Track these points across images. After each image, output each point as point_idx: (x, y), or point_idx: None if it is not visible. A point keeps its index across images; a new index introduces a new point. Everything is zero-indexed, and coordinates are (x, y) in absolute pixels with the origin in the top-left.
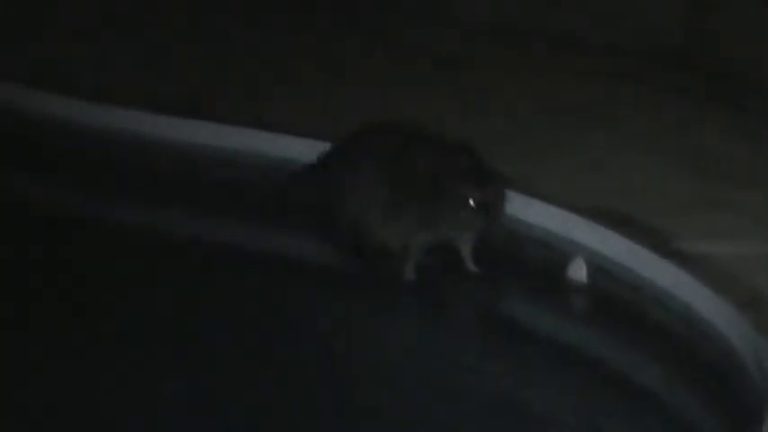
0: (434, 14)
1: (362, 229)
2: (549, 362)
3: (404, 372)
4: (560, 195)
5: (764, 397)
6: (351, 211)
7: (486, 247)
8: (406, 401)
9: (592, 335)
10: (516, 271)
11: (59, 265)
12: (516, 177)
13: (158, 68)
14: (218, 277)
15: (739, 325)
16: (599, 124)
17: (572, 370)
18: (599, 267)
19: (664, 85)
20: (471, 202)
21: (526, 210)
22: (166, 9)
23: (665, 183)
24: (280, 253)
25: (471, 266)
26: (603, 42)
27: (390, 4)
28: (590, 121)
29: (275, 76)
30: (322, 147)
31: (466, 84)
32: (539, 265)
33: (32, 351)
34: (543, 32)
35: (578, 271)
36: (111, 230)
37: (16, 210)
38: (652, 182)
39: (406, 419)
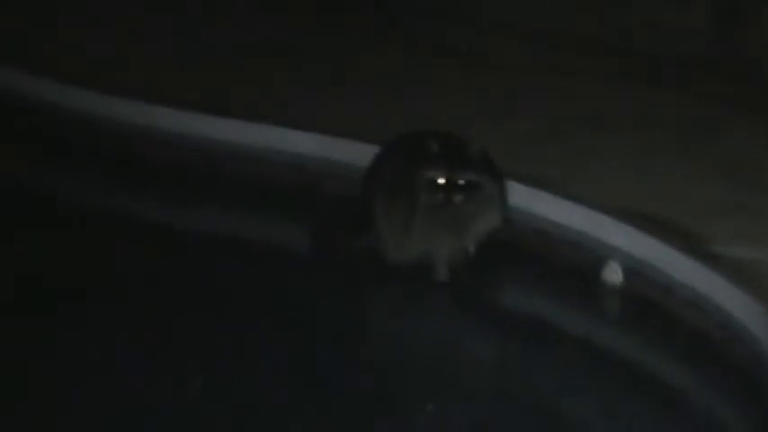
0: (464, 15)
1: (398, 257)
2: (580, 363)
3: (432, 372)
4: (593, 198)
5: None
6: (385, 248)
7: (519, 249)
8: (434, 401)
9: (625, 337)
10: (550, 273)
11: (73, 259)
12: (548, 180)
13: (183, 64)
14: (242, 273)
15: None
16: (630, 128)
17: (604, 372)
18: (632, 270)
19: (693, 90)
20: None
21: (561, 212)
22: (194, 6)
23: (697, 187)
24: (303, 250)
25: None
26: (634, 48)
27: (420, 5)
28: (621, 124)
29: (302, 75)
30: (346, 144)
31: (496, 86)
32: (573, 267)
33: (38, 346)
34: (573, 37)
35: (614, 274)
36: (128, 225)
37: (33, 203)
38: (683, 186)
39: (435, 419)
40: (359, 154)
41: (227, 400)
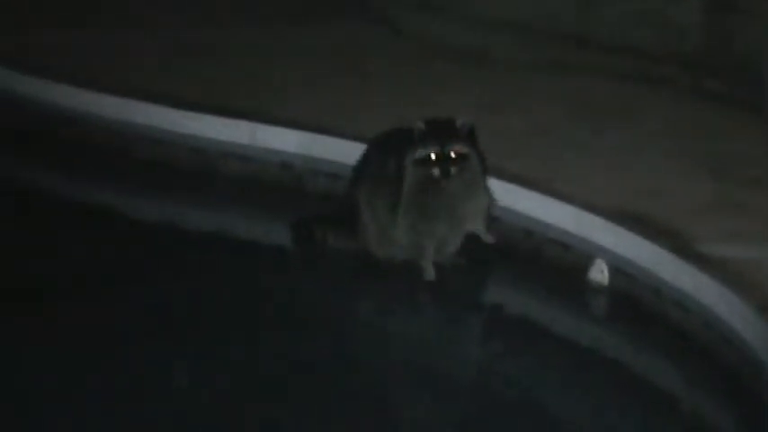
0: (457, 11)
1: (383, 258)
2: (567, 363)
3: (420, 370)
4: (580, 196)
5: None
6: (370, 244)
7: (507, 247)
8: (420, 399)
9: (611, 336)
10: (536, 272)
11: (67, 255)
12: (536, 177)
13: (177, 63)
14: (232, 271)
15: (759, 328)
16: (619, 125)
17: (590, 371)
18: (619, 269)
19: (683, 86)
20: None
21: (547, 211)
22: (183, 6)
23: (685, 185)
24: (287, 247)
25: (487, 238)
26: (623, 44)
27: (413, 0)
28: (610, 122)
29: (296, 72)
30: (339, 143)
31: (486, 81)
32: (559, 266)
33: (35, 341)
34: (564, 32)
35: (600, 273)
36: (114, 220)
37: (25, 200)
38: (672, 184)
39: (421, 417)
40: (345, 150)
41: (212, 391)
